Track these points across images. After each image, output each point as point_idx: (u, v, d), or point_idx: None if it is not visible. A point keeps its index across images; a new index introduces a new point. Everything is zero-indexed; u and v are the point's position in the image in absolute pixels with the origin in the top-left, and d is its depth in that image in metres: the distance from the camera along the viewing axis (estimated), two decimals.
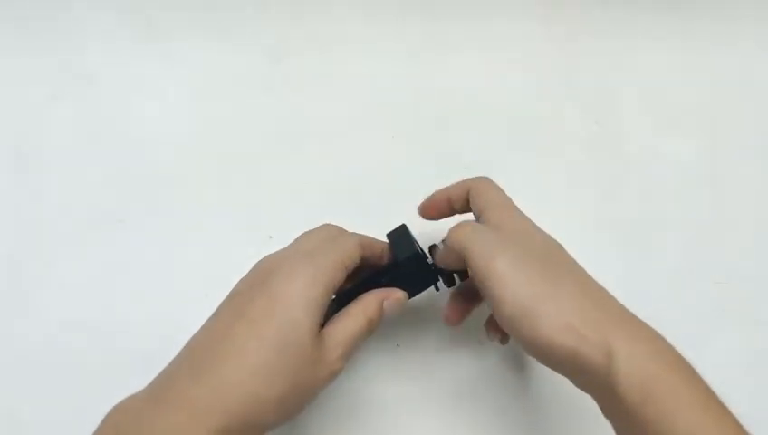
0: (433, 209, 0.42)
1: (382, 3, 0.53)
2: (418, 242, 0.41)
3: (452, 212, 0.42)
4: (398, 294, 0.38)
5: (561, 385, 0.34)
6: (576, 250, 0.37)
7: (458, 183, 0.41)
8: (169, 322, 0.39)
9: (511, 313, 0.33)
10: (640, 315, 0.33)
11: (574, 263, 0.36)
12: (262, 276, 0.34)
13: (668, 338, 0.32)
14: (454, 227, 0.38)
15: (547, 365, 0.34)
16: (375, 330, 0.37)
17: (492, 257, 0.34)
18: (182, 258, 0.40)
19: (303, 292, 0.32)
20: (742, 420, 0.29)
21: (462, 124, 0.50)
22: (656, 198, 0.49)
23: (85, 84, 0.50)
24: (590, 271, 0.35)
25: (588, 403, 0.33)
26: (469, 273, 0.36)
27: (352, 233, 0.39)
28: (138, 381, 0.31)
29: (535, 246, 0.36)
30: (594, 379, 0.31)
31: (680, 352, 0.31)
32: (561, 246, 0.37)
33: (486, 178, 0.41)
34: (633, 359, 0.30)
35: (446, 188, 0.42)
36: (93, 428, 0.29)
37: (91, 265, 0.45)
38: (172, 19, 0.52)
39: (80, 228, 0.44)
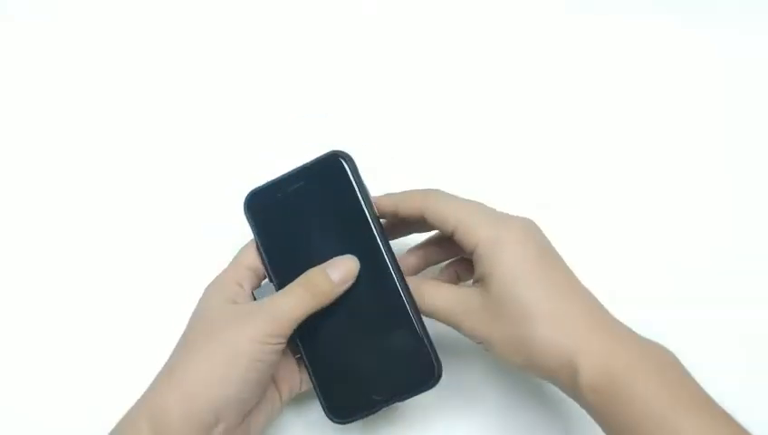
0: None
1: None
2: None
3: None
4: (347, 263, 0.35)
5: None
6: (576, 249, 0.36)
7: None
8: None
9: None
10: (641, 318, 0.33)
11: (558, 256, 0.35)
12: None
13: (671, 341, 0.32)
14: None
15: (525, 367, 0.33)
16: (326, 302, 0.35)
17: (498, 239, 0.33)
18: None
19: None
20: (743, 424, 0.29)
21: None
22: (658, 197, 0.48)
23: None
24: (591, 270, 0.35)
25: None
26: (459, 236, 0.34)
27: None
28: None
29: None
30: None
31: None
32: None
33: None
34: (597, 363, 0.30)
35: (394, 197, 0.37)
36: None
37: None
38: None
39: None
